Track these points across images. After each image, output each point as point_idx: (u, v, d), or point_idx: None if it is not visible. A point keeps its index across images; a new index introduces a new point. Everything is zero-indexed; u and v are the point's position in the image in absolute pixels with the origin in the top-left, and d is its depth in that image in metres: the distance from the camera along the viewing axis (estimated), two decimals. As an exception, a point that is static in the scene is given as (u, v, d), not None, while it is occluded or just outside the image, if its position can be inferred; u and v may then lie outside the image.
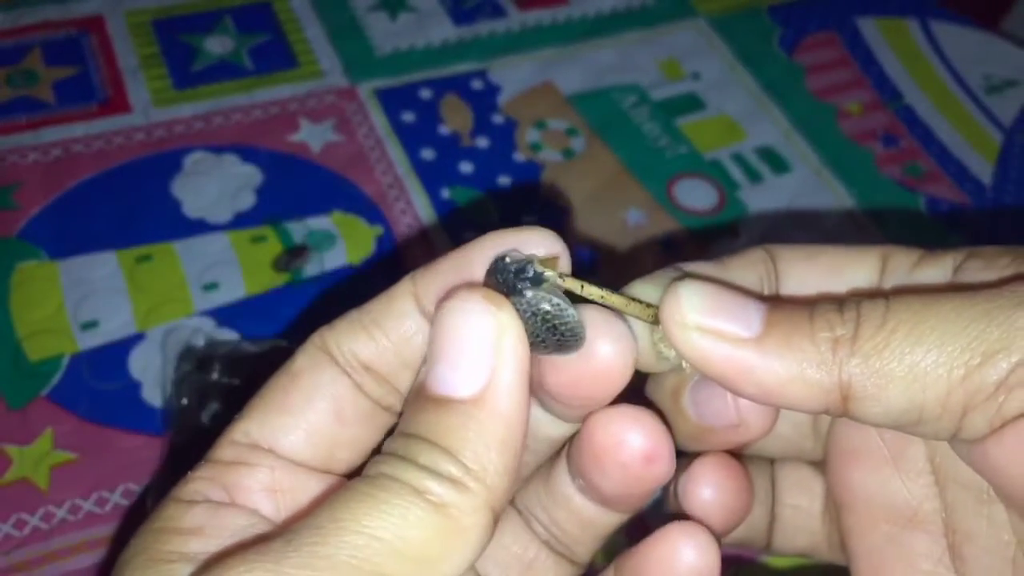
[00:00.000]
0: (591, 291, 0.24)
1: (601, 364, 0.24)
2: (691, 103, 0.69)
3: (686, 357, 0.24)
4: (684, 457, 0.28)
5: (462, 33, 0.73)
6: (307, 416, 0.25)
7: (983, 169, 0.67)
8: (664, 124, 0.68)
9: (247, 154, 0.63)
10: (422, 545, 0.21)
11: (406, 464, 0.21)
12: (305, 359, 0.26)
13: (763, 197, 0.64)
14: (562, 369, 0.24)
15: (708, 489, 0.27)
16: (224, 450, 0.25)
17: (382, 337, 0.25)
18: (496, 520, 0.22)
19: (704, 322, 0.24)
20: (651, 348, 0.25)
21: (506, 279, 0.23)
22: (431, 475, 0.21)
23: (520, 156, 0.65)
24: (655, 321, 0.25)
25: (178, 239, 0.59)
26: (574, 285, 0.24)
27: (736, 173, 0.65)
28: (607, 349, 0.24)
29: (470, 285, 0.24)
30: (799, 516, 0.31)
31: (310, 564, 0.20)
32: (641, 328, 0.25)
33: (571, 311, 0.23)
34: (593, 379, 0.24)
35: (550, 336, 0.23)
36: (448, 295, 0.23)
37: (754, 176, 0.65)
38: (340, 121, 0.66)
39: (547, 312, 0.23)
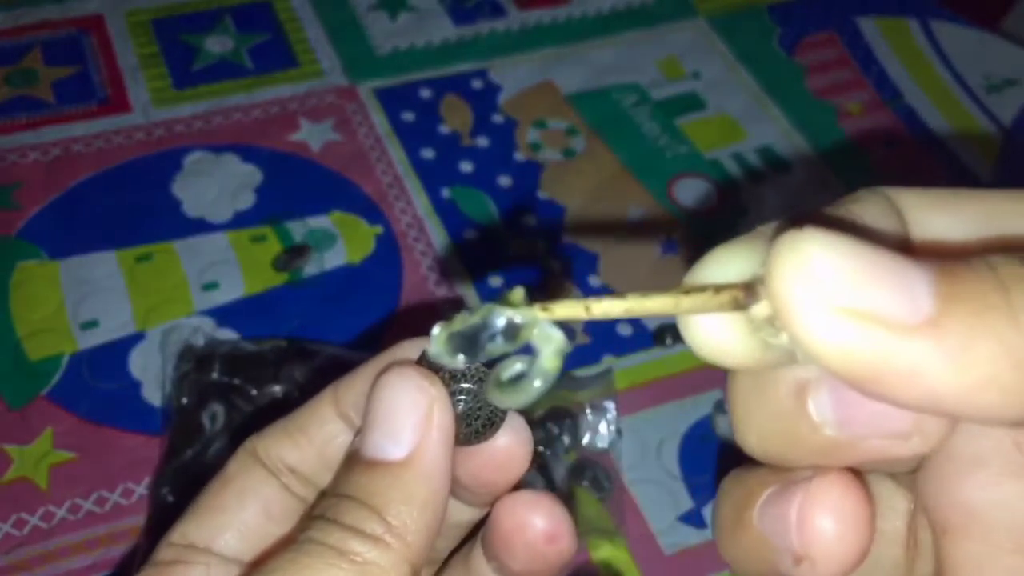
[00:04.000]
0: (605, 309, 0.18)
1: (500, 455, 0.25)
2: (691, 102, 0.69)
3: (814, 353, 0.16)
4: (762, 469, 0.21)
5: (462, 33, 0.73)
6: (239, 516, 0.26)
7: (982, 168, 0.67)
8: (664, 123, 0.68)
9: (247, 153, 0.63)
10: None
11: (332, 526, 0.23)
12: (236, 464, 0.27)
13: (763, 196, 0.64)
14: (468, 458, 0.25)
15: (830, 520, 0.20)
16: (164, 552, 0.26)
17: (306, 443, 0.27)
18: (419, 560, 0.23)
19: (852, 300, 0.16)
20: (748, 338, 0.18)
21: (470, 343, 0.18)
22: (355, 534, 0.23)
23: (520, 155, 0.65)
24: (738, 306, 0.18)
25: (178, 239, 0.59)
26: (572, 311, 0.18)
27: (736, 172, 0.65)
28: (503, 440, 0.25)
29: (404, 363, 0.25)
30: (876, 543, 0.23)
31: None
32: (726, 319, 0.18)
33: (486, 405, 0.23)
34: (495, 468, 0.25)
35: (465, 426, 0.24)
36: (386, 370, 0.24)
37: (754, 175, 0.65)
38: (340, 120, 0.66)
39: (464, 400, 0.23)
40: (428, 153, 0.65)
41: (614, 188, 0.64)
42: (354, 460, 0.24)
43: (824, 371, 0.17)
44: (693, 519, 0.50)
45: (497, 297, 0.18)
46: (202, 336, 0.51)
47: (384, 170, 0.63)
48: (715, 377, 0.55)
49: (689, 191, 0.64)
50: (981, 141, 0.69)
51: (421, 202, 0.62)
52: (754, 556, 0.21)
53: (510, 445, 0.25)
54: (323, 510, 0.23)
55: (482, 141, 0.66)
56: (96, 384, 0.52)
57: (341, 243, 0.59)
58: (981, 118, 0.70)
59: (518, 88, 0.69)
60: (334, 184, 0.62)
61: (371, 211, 0.61)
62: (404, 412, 0.24)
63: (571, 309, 0.18)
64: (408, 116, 0.67)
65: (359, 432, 0.24)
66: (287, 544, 0.23)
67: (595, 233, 0.61)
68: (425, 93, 0.68)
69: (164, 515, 0.45)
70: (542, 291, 0.58)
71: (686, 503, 0.50)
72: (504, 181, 0.64)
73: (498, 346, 0.18)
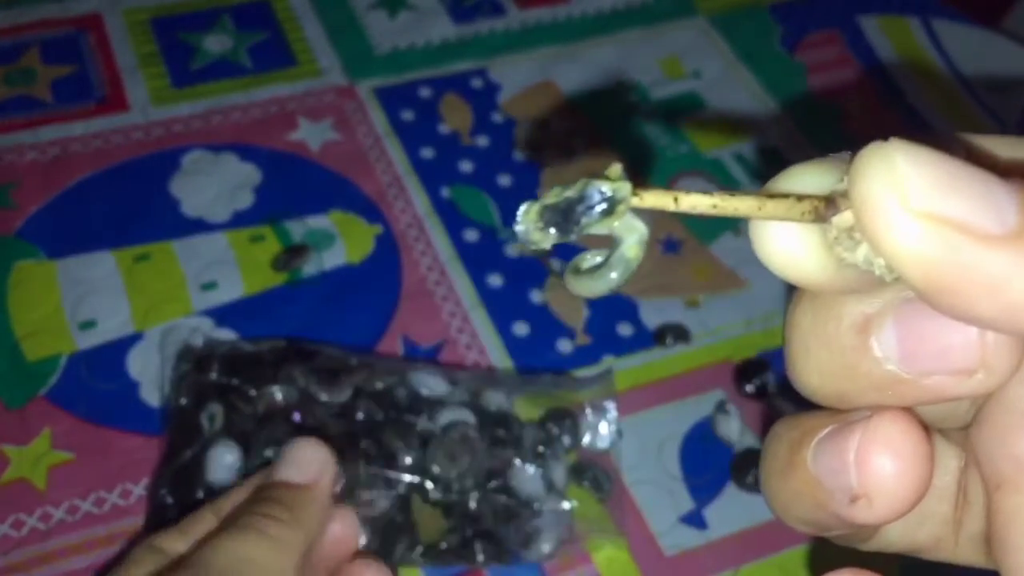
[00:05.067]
0: (692, 202, 0.17)
1: (332, 543, 0.42)
2: (691, 101, 0.69)
3: (894, 259, 0.16)
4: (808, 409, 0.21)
5: (462, 31, 0.72)
6: None
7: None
8: (664, 123, 0.67)
9: (246, 153, 0.63)
10: (262, 557, 0.37)
11: (255, 515, 0.38)
12: (137, 551, 0.38)
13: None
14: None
15: (889, 457, 0.19)
16: None
17: (191, 536, 0.39)
18: (308, 542, 0.39)
19: (936, 206, 0.15)
20: (822, 253, 0.18)
21: (564, 217, 0.17)
22: (271, 520, 0.38)
23: (520, 155, 0.65)
24: (819, 217, 0.17)
25: (176, 238, 0.58)
26: (660, 200, 0.17)
27: (737, 172, 0.65)
28: (336, 529, 0.43)
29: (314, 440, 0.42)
30: (924, 500, 0.21)
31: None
32: (802, 231, 0.18)
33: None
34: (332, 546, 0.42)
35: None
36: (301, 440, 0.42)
37: (755, 175, 0.65)
38: (339, 120, 0.66)
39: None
40: (428, 152, 0.64)
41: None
42: (274, 479, 0.40)
43: (899, 296, 0.18)
44: (694, 520, 0.50)
45: (593, 174, 0.17)
46: (201, 336, 0.51)
47: (383, 169, 0.63)
48: (716, 378, 0.55)
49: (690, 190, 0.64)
50: (983, 140, 0.68)
51: (421, 201, 0.62)
52: (805, 499, 0.20)
53: (343, 534, 0.42)
54: (248, 507, 0.39)
55: (482, 140, 0.65)
56: (94, 384, 0.52)
57: (340, 243, 0.59)
58: (983, 117, 0.70)
59: (518, 87, 0.69)
60: (333, 184, 0.62)
61: (370, 211, 0.61)
62: (313, 457, 0.41)
63: (661, 198, 0.17)
64: (407, 115, 0.66)
65: (271, 471, 0.41)
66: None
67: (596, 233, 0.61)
68: (425, 92, 0.68)
69: (162, 516, 0.44)
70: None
71: (687, 504, 0.50)
72: (504, 180, 0.63)
73: (592, 221, 0.17)
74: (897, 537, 0.22)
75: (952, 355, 0.18)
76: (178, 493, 0.45)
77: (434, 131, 0.66)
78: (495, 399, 0.50)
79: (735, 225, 0.62)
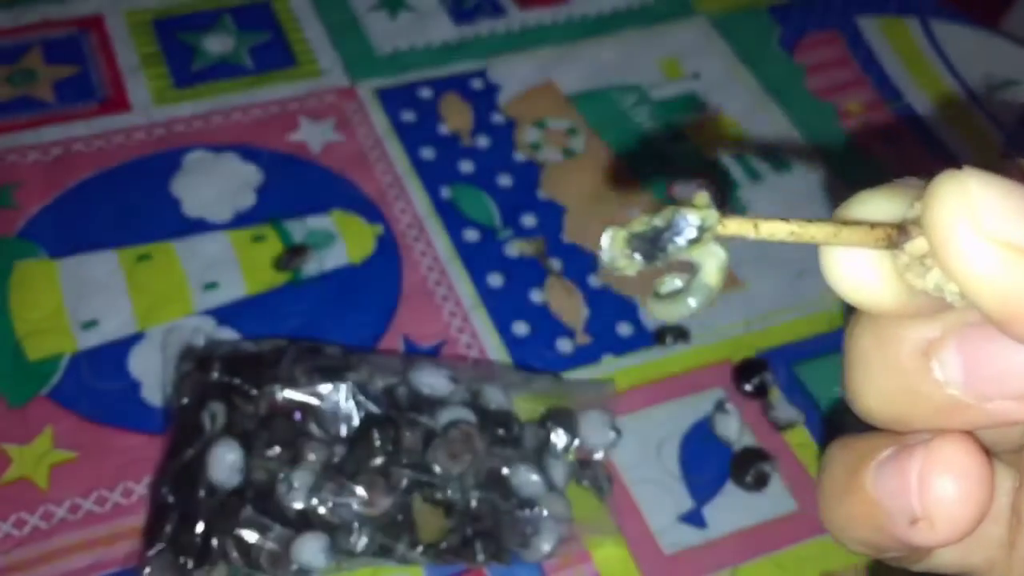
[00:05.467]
0: (771, 229, 0.18)
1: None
2: (691, 102, 0.69)
3: (969, 286, 0.16)
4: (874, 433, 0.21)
5: (462, 32, 0.73)
6: None
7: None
8: (664, 123, 0.68)
9: (247, 153, 0.63)
10: None
11: None
12: None
13: (763, 196, 0.64)
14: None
15: (952, 480, 0.19)
16: None
17: None
18: None
19: (1012, 233, 0.16)
20: (892, 279, 0.18)
21: (651, 244, 0.18)
22: None
23: (520, 155, 0.65)
24: (891, 244, 0.18)
25: (178, 238, 0.59)
26: (742, 228, 0.18)
27: (736, 172, 0.65)
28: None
29: None
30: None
31: None
32: (872, 257, 0.18)
33: None
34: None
35: None
36: None
37: (754, 175, 0.65)
38: (340, 120, 0.66)
39: None
40: (428, 153, 0.65)
41: (614, 188, 0.64)
42: None
43: (966, 320, 0.18)
44: (693, 519, 0.50)
45: (679, 201, 0.18)
46: (202, 336, 0.51)
47: (384, 170, 0.63)
48: (715, 377, 0.55)
49: (689, 191, 0.64)
50: (982, 141, 0.68)
51: (421, 202, 0.62)
52: (864, 521, 0.21)
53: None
54: None
55: (482, 141, 0.66)
56: (96, 384, 0.52)
57: (341, 243, 0.59)
58: (981, 118, 0.70)
59: (518, 88, 0.69)
60: (334, 184, 0.62)
61: (371, 211, 0.61)
62: None
63: (742, 226, 0.18)
64: (408, 116, 0.67)
65: None
66: None
67: (594, 233, 0.61)
68: (425, 93, 0.68)
69: (163, 515, 0.45)
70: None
71: (686, 503, 0.50)
72: (504, 181, 0.64)
73: (680, 249, 0.17)
74: (951, 559, 0.22)
75: (1015, 380, 0.18)
76: (180, 492, 0.45)
77: (434, 131, 0.66)
78: (495, 398, 0.50)
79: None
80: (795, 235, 0.18)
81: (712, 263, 0.18)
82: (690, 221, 0.17)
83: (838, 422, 0.53)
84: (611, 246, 0.18)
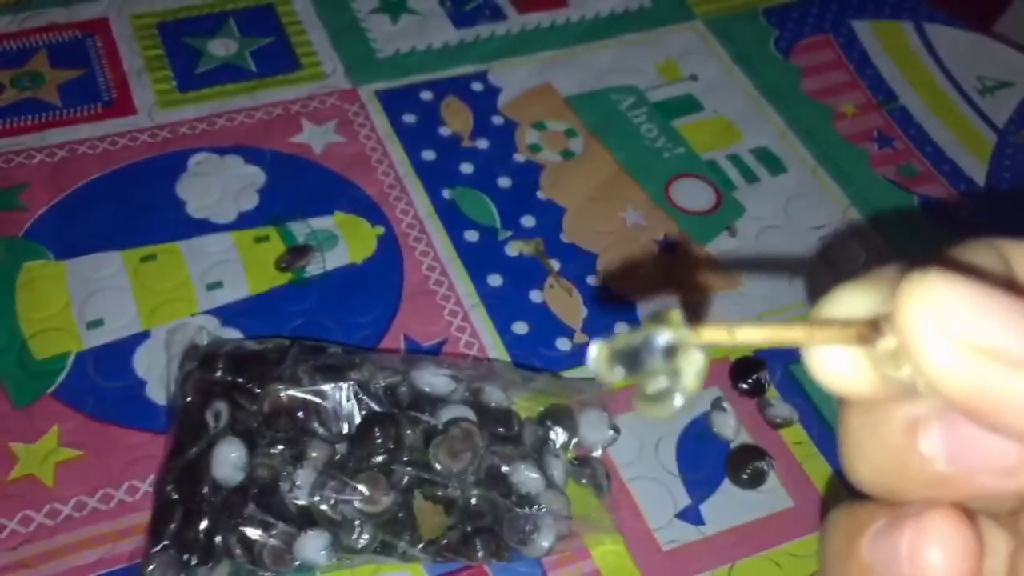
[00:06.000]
0: (747, 335, 0.19)
1: None
2: (688, 104, 0.70)
3: (939, 385, 0.18)
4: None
5: (462, 35, 0.73)
6: None
7: (977, 169, 0.68)
8: (662, 125, 0.68)
9: (250, 155, 0.64)
10: None
11: None
12: None
13: (759, 197, 0.65)
14: None
15: (939, 552, 0.20)
16: None
17: None
18: None
19: (975, 336, 0.17)
20: (869, 371, 0.20)
21: (631, 359, 0.20)
22: None
23: (519, 157, 0.66)
24: (864, 341, 0.19)
25: (182, 239, 0.59)
26: (717, 336, 0.19)
27: (732, 173, 0.66)
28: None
29: None
30: None
31: None
32: (848, 352, 0.20)
33: None
34: None
35: None
36: None
37: (750, 176, 0.66)
38: (342, 122, 0.67)
39: None
40: (429, 154, 0.65)
41: (612, 189, 0.65)
42: None
43: (944, 403, 0.19)
44: (690, 516, 0.51)
45: (654, 317, 0.19)
46: (206, 335, 0.52)
47: (385, 171, 0.64)
48: (712, 376, 0.56)
49: (686, 192, 0.65)
50: (975, 143, 0.69)
51: (422, 203, 0.63)
52: None
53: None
54: None
55: (482, 143, 0.66)
56: (101, 383, 0.53)
57: (343, 243, 0.60)
58: (975, 120, 0.71)
59: (518, 90, 0.70)
60: (336, 185, 0.63)
61: (373, 212, 0.62)
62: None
63: (717, 334, 0.19)
64: (409, 118, 0.67)
65: None
66: None
67: (594, 233, 0.62)
68: (426, 95, 0.69)
69: (168, 512, 0.45)
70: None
71: (683, 500, 0.51)
72: (504, 182, 0.64)
73: (656, 364, 0.19)
74: None
75: (996, 456, 0.19)
76: (184, 489, 0.46)
77: (435, 133, 0.67)
78: (495, 397, 0.51)
79: (731, 226, 0.63)
80: (769, 339, 0.19)
81: (690, 369, 0.19)
82: (664, 339, 0.19)
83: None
84: (596, 360, 0.20)
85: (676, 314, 0.19)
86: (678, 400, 0.19)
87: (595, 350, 0.20)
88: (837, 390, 0.20)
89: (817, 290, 0.60)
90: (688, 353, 0.19)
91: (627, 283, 0.60)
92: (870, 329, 0.19)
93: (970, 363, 0.17)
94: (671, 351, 0.19)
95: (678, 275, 0.61)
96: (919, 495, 0.21)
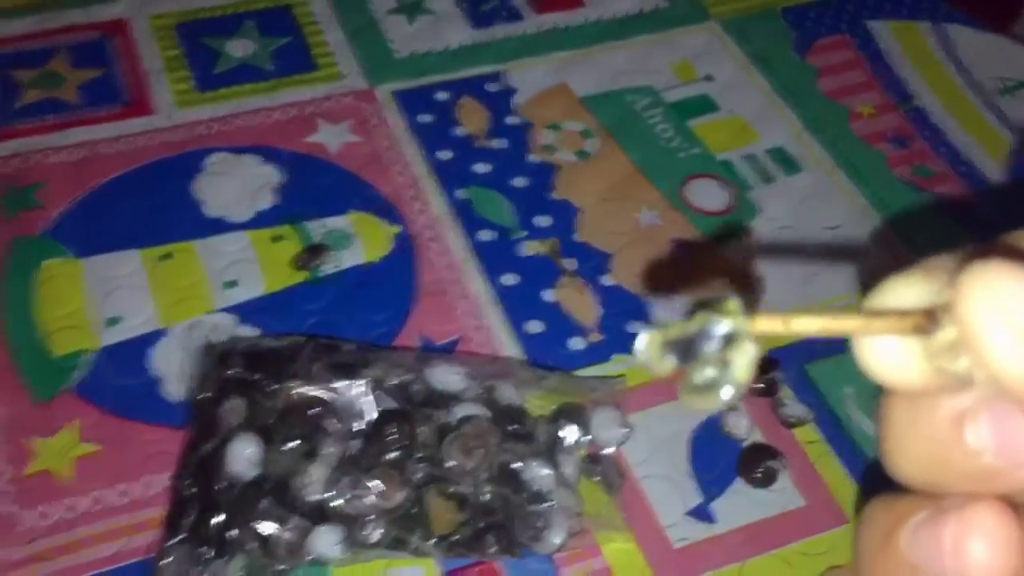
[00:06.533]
0: (802, 325, 0.19)
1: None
2: (704, 105, 0.70)
3: (1001, 378, 0.17)
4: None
5: (478, 36, 0.74)
6: None
7: (994, 170, 0.67)
8: (677, 125, 0.69)
9: (267, 155, 0.65)
10: None
11: None
12: None
13: (775, 197, 0.65)
14: None
15: (984, 546, 0.20)
16: None
17: None
18: None
19: None
20: (923, 363, 0.19)
21: (685, 348, 0.19)
22: None
23: (534, 157, 0.66)
24: (921, 332, 0.19)
25: (199, 238, 0.60)
26: (772, 326, 0.19)
27: (748, 174, 0.66)
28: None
29: None
30: None
31: None
32: (902, 343, 0.20)
33: None
34: None
35: None
36: None
37: (766, 177, 0.66)
38: (358, 122, 0.67)
39: None
40: (444, 154, 0.66)
41: (627, 189, 0.65)
42: None
43: (996, 395, 0.19)
44: (701, 514, 0.51)
45: (710, 305, 0.19)
46: (222, 333, 0.53)
47: (401, 171, 0.65)
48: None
49: (701, 192, 0.65)
50: (993, 143, 0.69)
51: (437, 202, 0.63)
52: None
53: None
54: None
55: (497, 143, 0.67)
56: (119, 379, 0.53)
57: (359, 243, 0.61)
58: (993, 120, 0.70)
59: (533, 91, 0.70)
60: (352, 185, 0.64)
61: (388, 211, 0.62)
62: None
63: (772, 323, 0.19)
64: (425, 118, 0.68)
65: None
66: None
67: (608, 233, 0.62)
68: (442, 95, 0.69)
69: (184, 506, 0.46)
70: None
71: (695, 498, 0.51)
72: (519, 182, 0.65)
73: (713, 353, 0.18)
74: None
75: None
76: (200, 484, 0.46)
77: (451, 133, 0.67)
78: (508, 395, 0.51)
79: (746, 227, 0.63)
80: (825, 329, 0.19)
81: (742, 360, 0.19)
82: (722, 328, 0.18)
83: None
84: (647, 349, 0.19)
85: (734, 303, 0.19)
86: (727, 392, 0.19)
87: (646, 338, 0.19)
88: (887, 381, 0.20)
89: (830, 289, 0.60)
90: (742, 343, 0.18)
91: (642, 283, 0.60)
92: (927, 319, 0.18)
93: None
94: (727, 341, 0.18)
95: (692, 273, 0.61)
96: (962, 488, 0.20)
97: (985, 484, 0.20)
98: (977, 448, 0.19)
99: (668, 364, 0.19)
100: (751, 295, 0.60)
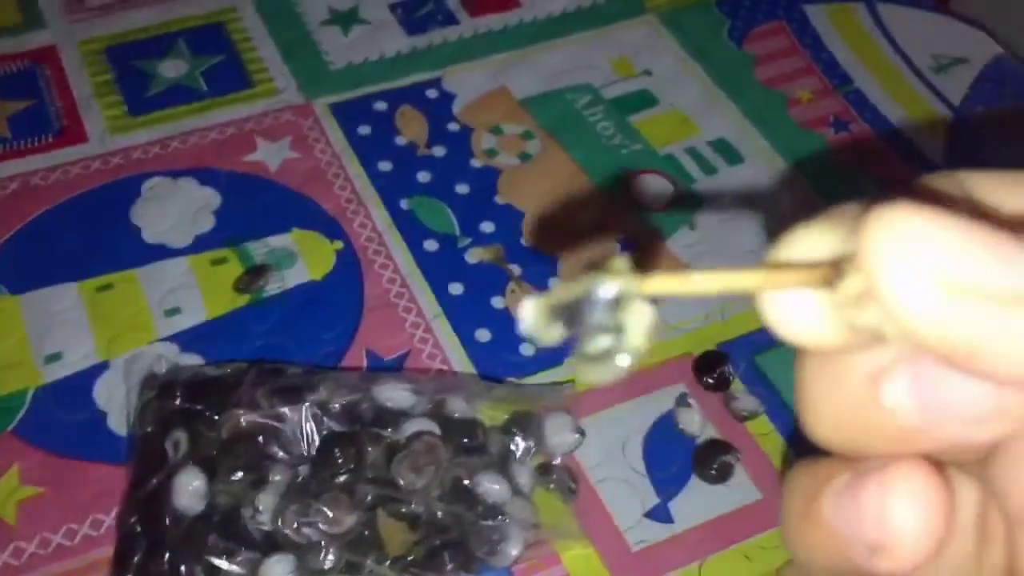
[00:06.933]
0: (701, 283, 0.17)
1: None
2: (644, 100, 0.70)
3: (911, 329, 0.16)
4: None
5: (415, 43, 0.73)
6: None
7: (934, 148, 0.68)
8: (618, 122, 0.68)
9: (205, 177, 0.64)
10: None
11: None
12: None
13: (718, 189, 0.65)
14: None
15: (908, 508, 0.18)
16: None
17: None
18: None
19: (950, 272, 0.15)
20: (831, 317, 0.18)
21: (571, 313, 0.17)
22: None
23: (477, 162, 0.66)
24: (827, 284, 0.17)
25: (138, 266, 0.59)
26: (667, 285, 0.17)
27: (690, 167, 0.66)
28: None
29: None
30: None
31: None
32: (808, 298, 0.18)
33: None
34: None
35: None
36: None
37: (708, 169, 0.66)
38: (296, 138, 0.66)
39: None
40: (385, 166, 0.65)
41: (571, 190, 0.64)
42: None
43: (911, 350, 0.17)
44: (659, 514, 0.50)
45: (596, 267, 0.17)
46: (165, 363, 0.52)
47: (342, 185, 0.64)
48: (676, 372, 0.55)
49: (645, 188, 0.65)
50: (931, 121, 0.69)
51: (380, 215, 0.62)
52: (825, 549, 0.20)
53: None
54: None
55: (438, 150, 0.66)
56: (62, 416, 0.52)
57: (301, 260, 0.60)
58: (930, 98, 0.70)
59: (472, 95, 0.70)
60: (293, 202, 0.63)
61: (330, 227, 0.62)
62: None
63: (668, 283, 0.17)
64: (364, 130, 0.67)
65: None
66: None
67: (554, 236, 0.62)
68: (380, 106, 0.69)
69: (131, 545, 0.45)
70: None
71: (651, 499, 0.51)
72: (462, 189, 0.64)
73: (600, 317, 0.17)
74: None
75: (968, 404, 0.17)
76: (146, 521, 0.45)
77: (391, 144, 0.66)
78: (459, 407, 0.50)
79: (691, 220, 0.63)
80: (726, 286, 0.17)
81: (637, 324, 0.17)
82: (608, 289, 0.17)
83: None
84: (532, 317, 0.18)
85: (621, 262, 0.17)
86: (623, 360, 0.17)
87: (531, 305, 0.17)
88: (795, 339, 0.18)
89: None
90: (634, 306, 0.17)
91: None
92: (833, 271, 0.17)
93: (946, 302, 0.15)
94: (616, 304, 0.17)
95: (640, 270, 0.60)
96: (884, 449, 0.19)
97: (907, 445, 0.18)
98: (895, 407, 0.18)
99: (555, 332, 0.17)
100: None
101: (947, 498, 0.18)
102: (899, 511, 0.18)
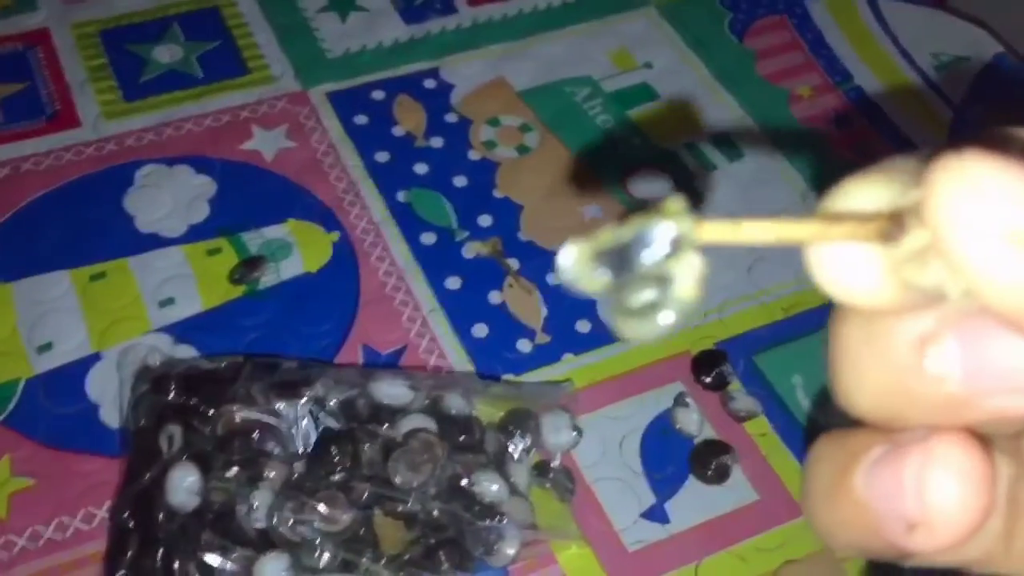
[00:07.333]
0: (754, 231, 0.16)
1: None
2: (643, 93, 0.69)
3: (983, 283, 0.15)
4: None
5: (413, 32, 0.72)
6: None
7: (933, 146, 0.67)
8: (617, 116, 0.68)
9: (200, 165, 0.63)
10: None
11: None
12: None
13: (717, 184, 0.64)
14: None
15: (953, 482, 0.18)
16: None
17: None
18: None
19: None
20: (887, 275, 0.17)
21: (619, 259, 0.16)
22: None
23: (474, 154, 0.65)
24: (884, 239, 0.16)
25: (132, 255, 0.58)
26: (721, 233, 0.16)
27: (690, 162, 0.65)
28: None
29: None
30: None
31: None
32: (863, 254, 0.17)
33: None
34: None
35: None
36: None
37: (707, 164, 0.65)
38: (293, 127, 0.66)
39: None
40: (382, 156, 0.64)
41: (570, 183, 0.64)
42: None
43: (968, 312, 0.16)
44: (655, 515, 0.50)
45: (650, 208, 0.16)
46: (158, 355, 0.51)
47: (338, 176, 0.63)
48: (674, 370, 0.55)
49: (644, 183, 0.64)
50: (931, 119, 0.69)
51: (377, 207, 0.62)
52: (855, 525, 0.19)
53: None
54: None
55: (436, 141, 0.66)
56: (53, 408, 0.52)
57: (297, 252, 0.59)
58: (931, 96, 0.70)
59: (471, 86, 0.69)
60: (289, 192, 0.62)
61: (327, 218, 0.61)
62: None
63: (722, 230, 0.16)
64: (361, 119, 0.66)
65: None
66: None
67: (552, 230, 0.61)
68: (377, 95, 0.68)
69: (124, 540, 0.44)
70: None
71: (648, 499, 0.51)
72: (459, 181, 0.63)
73: (652, 263, 0.15)
74: (946, 555, 0.20)
75: (1019, 374, 0.16)
76: (139, 517, 0.45)
77: (388, 134, 0.66)
78: (456, 404, 0.50)
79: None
80: (781, 237, 0.16)
81: (687, 274, 0.16)
82: (663, 232, 0.16)
83: (822, 420, 0.53)
84: (574, 262, 0.16)
85: (678, 203, 0.16)
86: (668, 316, 0.16)
87: (573, 251, 0.16)
88: (845, 297, 0.17)
89: (774, 278, 0.59)
90: (685, 254, 0.16)
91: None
92: (892, 224, 0.16)
93: (1021, 259, 0.14)
94: (669, 250, 0.15)
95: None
96: (925, 420, 0.18)
97: (950, 416, 0.17)
98: (942, 376, 0.17)
99: (601, 279, 0.16)
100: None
101: (991, 473, 0.18)
102: (942, 485, 0.17)
